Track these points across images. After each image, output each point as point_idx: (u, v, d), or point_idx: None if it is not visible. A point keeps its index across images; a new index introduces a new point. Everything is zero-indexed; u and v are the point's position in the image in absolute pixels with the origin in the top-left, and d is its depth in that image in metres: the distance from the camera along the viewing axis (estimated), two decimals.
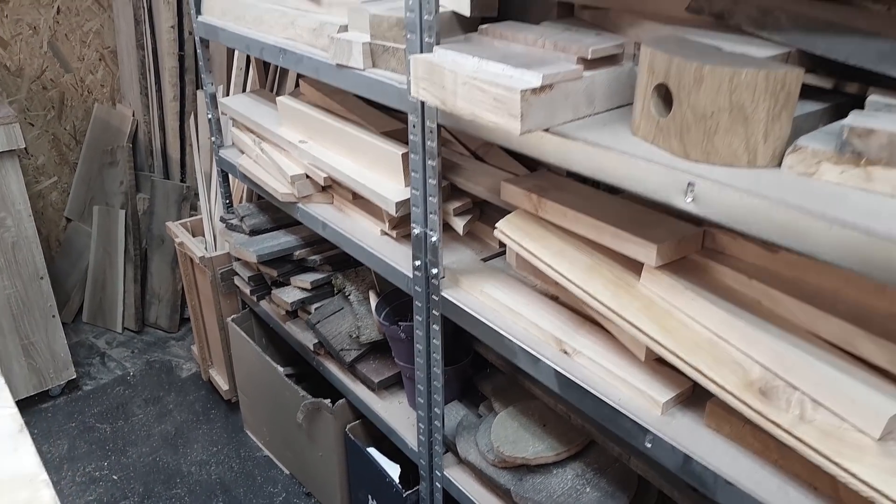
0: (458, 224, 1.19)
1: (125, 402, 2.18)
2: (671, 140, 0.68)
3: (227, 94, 1.94)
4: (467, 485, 1.22)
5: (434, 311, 1.12)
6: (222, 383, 2.11)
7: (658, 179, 0.67)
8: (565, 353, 0.93)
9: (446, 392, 1.25)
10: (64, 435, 2.05)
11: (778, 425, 0.68)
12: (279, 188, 1.43)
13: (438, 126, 0.96)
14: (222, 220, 1.75)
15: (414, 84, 0.84)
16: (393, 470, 1.47)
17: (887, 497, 0.59)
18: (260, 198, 1.77)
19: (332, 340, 1.50)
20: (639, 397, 0.84)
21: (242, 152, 1.65)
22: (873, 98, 0.64)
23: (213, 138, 1.74)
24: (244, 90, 1.90)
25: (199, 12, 1.57)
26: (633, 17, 0.87)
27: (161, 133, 2.43)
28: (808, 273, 0.76)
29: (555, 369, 0.91)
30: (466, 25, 1.04)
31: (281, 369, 1.68)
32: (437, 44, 0.90)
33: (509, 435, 1.14)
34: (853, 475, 0.62)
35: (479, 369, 1.36)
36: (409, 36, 0.92)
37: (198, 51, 1.64)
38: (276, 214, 1.69)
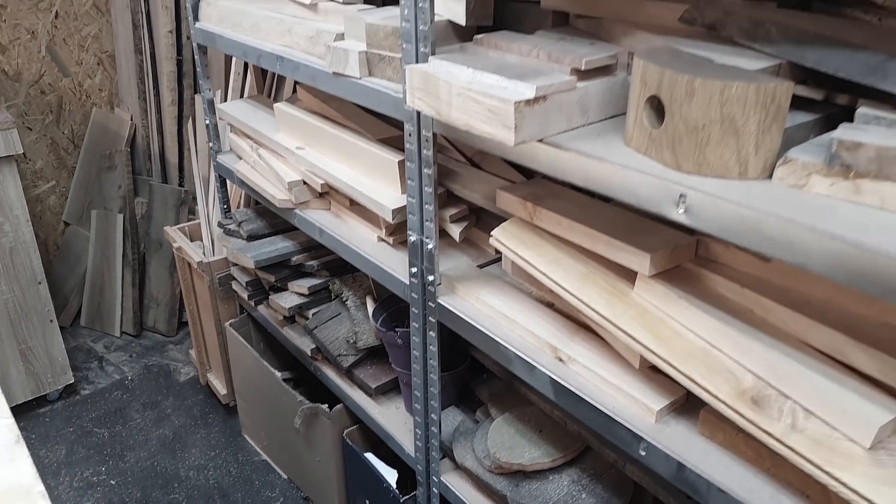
0: (455, 231, 1.20)
1: (123, 406, 2.19)
2: (663, 151, 0.69)
3: (225, 100, 1.95)
4: (464, 490, 1.23)
5: (430, 318, 1.12)
6: (220, 387, 2.11)
7: (650, 191, 0.68)
8: (560, 360, 0.93)
9: (443, 397, 1.25)
10: (62, 440, 2.05)
11: (770, 434, 0.68)
12: (277, 194, 1.43)
13: (434, 135, 0.97)
14: (220, 225, 1.75)
15: (409, 94, 0.85)
16: (390, 475, 1.47)
17: None
18: (258, 203, 1.77)
19: (330, 346, 1.51)
20: (633, 405, 0.84)
21: (240, 158, 1.66)
22: (863, 110, 0.65)
23: (210, 144, 1.75)
24: (242, 96, 1.91)
25: (196, 19, 1.58)
26: (626, 27, 0.88)
27: (159, 137, 2.44)
28: (799, 282, 0.76)
29: (550, 377, 0.92)
30: (462, 33, 1.05)
31: (279, 374, 1.69)
32: (433, 53, 0.90)
33: (506, 441, 1.15)
34: (844, 484, 0.63)
35: (476, 374, 1.37)
36: (404, 45, 0.93)
37: (196, 57, 1.64)
38: (273, 220, 1.70)
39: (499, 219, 1.05)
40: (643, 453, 0.81)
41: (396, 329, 1.33)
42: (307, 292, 1.60)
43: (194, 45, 1.62)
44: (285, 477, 1.91)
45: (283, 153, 1.45)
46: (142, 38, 2.31)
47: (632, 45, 0.87)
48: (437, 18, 0.99)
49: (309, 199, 1.42)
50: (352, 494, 1.64)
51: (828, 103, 0.74)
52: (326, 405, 1.56)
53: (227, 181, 1.80)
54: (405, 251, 1.19)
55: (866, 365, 0.68)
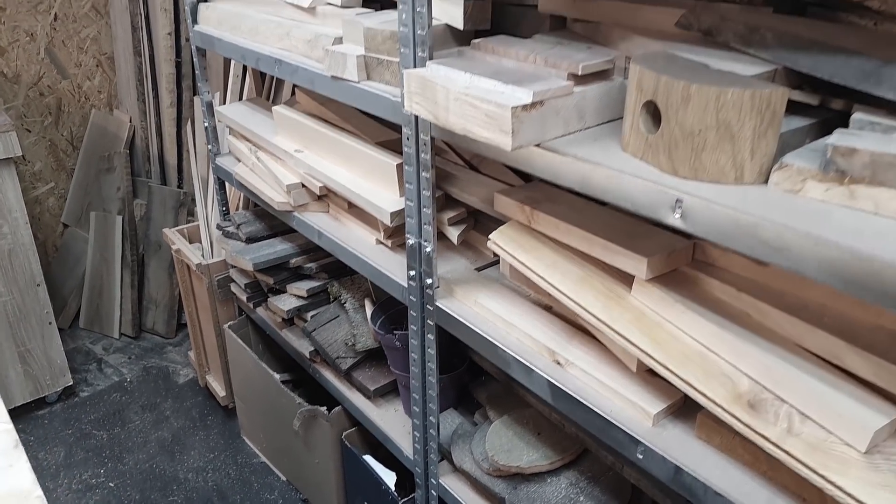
0: (453, 234, 1.20)
1: (122, 408, 2.19)
2: (660, 156, 0.69)
3: (224, 102, 1.95)
4: (462, 493, 1.23)
5: (429, 321, 1.13)
6: (219, 389, 2.11)
7: (647, 195, 0.68)
8: (558, 363, 0.93)
9: (441, 400, 1.26)
10: (60, 442, 2.05)
11: (766, 438, 0.69)
12: (275, 197, 1.43)
13: (432, 139, 0.97)
14: (219, 227, 1.75)
15: (407, 98, 0.85)
16: (389, 477, 1.47)
17: None
18: (256, 205, 1.77)
19: (328, 348, 1.51)
20: (630, 408, 0.85)
21: (239, 160, 1.66)
22: (858, 116, 0.65)
23: (209, 146, 1.75)
24: (241, 98, 1.91)
25: (195, 21, 1.58)
26: (623, 32, 0.88)
27: (158, 139, 2.44)
28: (795, 286, 0.77)
29: (548, 380, 0.92)
30: (460, 37, 1.05)
31: (277, 376, 1.69)
32: (431, 58, 0.90)
33: (504, 444, 1.15)
34: (840, 488, 0.63)
35: (475, 376, 1.37)
36: (402, 50, 0.93)
37: (194, 59, 1.65)
38: (272, 222, 1.70)
39: (497, 221, 1.06)
40: (640, 456, 0.82)
41: (395, 332, 1.33)
42: (306, 295, 1.60)
43: (193, 47, 1.62)
44: (284, 479, 1.92)
45: (282, 156, 1.45)
46: (141, 40, 2.31)
47: (629, 49, 0.87)
48: (434, 22, 0.99)
49: (307, 202, 1.42)
50: (350, 496, 1.64)
51: (823, 108, 0.74)
52: (325, 407, 1.56)
53: (226, 183, 1.80)
54: (403, 254, 1.19)
55: (862, 369, 0.68)
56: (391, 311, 1.44)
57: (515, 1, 1.07)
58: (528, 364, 0.94)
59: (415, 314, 1.15)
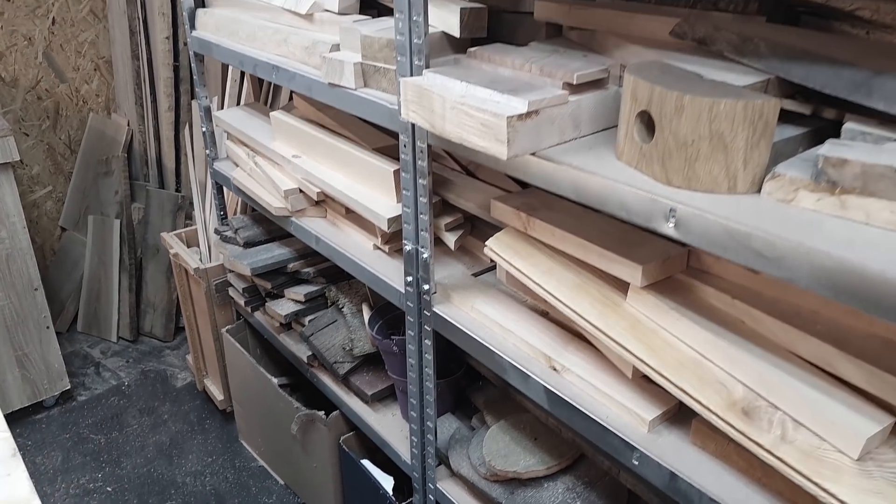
0: (450, 239, 1.21)
1: (120, 412, 2.19)
2: (654, 166, 0.69)
3: (222, 106, 1.95)
4: (460, 498, 1.23)
5: (426, 327, 1.13)
6: (217, 393, 2.11)
7: (641, 205, 0.68)
8: (554, 370, 0.94)
9: (439, 405, 1.26)
10: (58, 446, 2.05)
11: (760, 445, 0.69)
12: (273, 202, 1.44)
13: (429, 146, 0.98)
14: (217, 231, 1.76)
15: (404, 106, 0.85)
16: (387, 482, 1.48)
17: None
18: (254, 210, 1.78)
19: (326, 353, 1.51)
20: (626, 415, 0.85)
21: (237, 165, 1.66)
22: (849, 126, 0.66)
23: (207, 151, 1.75)
24: (239, 102, 1.92)
25: (193, 27, 1.58)
26: (618, 40, 0.89)
27: (156, 143, 2.44)
28: (789, 293, 0.77)
29: (544, 386, 0.92)
30: (457, 45, 1.06)
31: (275, 380, 1.69)
32: (427, 66, 0.91)
33: (501, 449, 1.15)
34: (833, 495, 0.64)
35: (472, 381, 1.38)
36: (399, 58, 0.93)
37: (192, 64, 1.65)
38: (270, 226, 1.70)
39: (494, 227, 1.06)
40: (636, 463, 0.82)
41: (392, 337, 1.34)
42: (303, 299, 1.60)
43: (191, 53, 1.62)
44: (282, 483, 1.92)
45: (280, 161, 1.46)
46: (139, 44, 2.31)
47: (624, 57, 0.87)
48: (431, 30, 0.99)
49: (305, 207, 1.42)
50: (348, 501, 1.64)
51: (816, 117, 0.75)
52: (323, 412, 1.57)
53: (224, 188, 1.80)
54: (401, 259, 1.20)
55: (854, 376, 0.69)
56: (389, 315, 1.44)
57: (511, 9, 1.07)
58: (524, 370, 0.95)
59: (412, 320, 1.15)
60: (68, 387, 2.17)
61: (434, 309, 1.09)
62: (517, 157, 0.76)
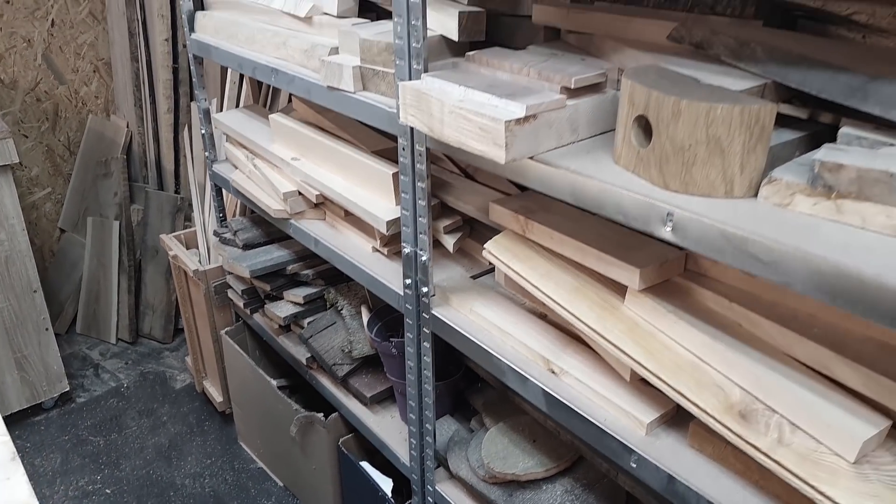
0: (449, 242, 1.21)
1: (119, 414, 2.19)
2: (651, 170, 0.70)
3: (221, 109, 1.95)
4: (459, 500, 1.23)
5: (425, 329, 1.13)
6: (216, 395, 2.11)
7: (638, 209, 0.69)
8: (553, 372, 0.94)
9: (438, 407, 1.26)
10: (57, 448, 2.05)
11: (757, 448, 0.69)
12: (272, 204, 1.44)
13: (427, 149, 0.98)
14: (216, 233, 1.76)
15: (403, 110, 0.86)
16: (385, 484, 1.48)
17: None
18: (253, 212, 1.78)
19: (325, 355, 1.51)
20: (624, 417, 0.85)
21: (236, 167, 1.67)
22: (845, 130, 0.66)
23: (206, 153, 1.75)
24: (238, 105, 1.92)
25: (192, 30, 1.58)
26: (616, 44, 0.89)
27: (155, 144, 2.44)
28: (786, 296, 0.78)
29: (542, 389, 0.92)
30: (455, 48, 1.06)
31: (274, 382, 1.69)
32: (426, 70, 0.91)
33: (499, 451, 1.15)
34: (829, 498, 0.64)
35: (471, 383, 1.38)
36: (397, 62, 0.94)
37: (191, 67, 1.65)
38: (269, 228, 1.71)
39: (493, 229, 1.06)
40: (634, 465, 0.82)
41: (391, 339, 1.34)
42: (302, 301, 1.60)
43: (190, 55, 1.63)
44: (281, 485, 1.92)
45: (279, 164, 1.46)
46: (138, 45, 2.32)
47: (622, 61, 0.88)
48: (429, 34, 1.00)
49: (304, 210, 1.43)
50: (347, 503, 1.64)
51: (813, 121, 0.75)
52: (322, 414, 1.57)
53: (223, 190, 1.80)
54: (399, 262, 1.20)
55: (851, 379, 0.69)
56: (388, 318, 1.44)
57: (510, 12, 1.07)
58: (523, 373, 0.95)
59: (411, 322, 1.16)
60: (67, 388, 2.18)
61: (433, 311, 1.10)
62: (515, 160, 0.76)
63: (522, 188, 1.22)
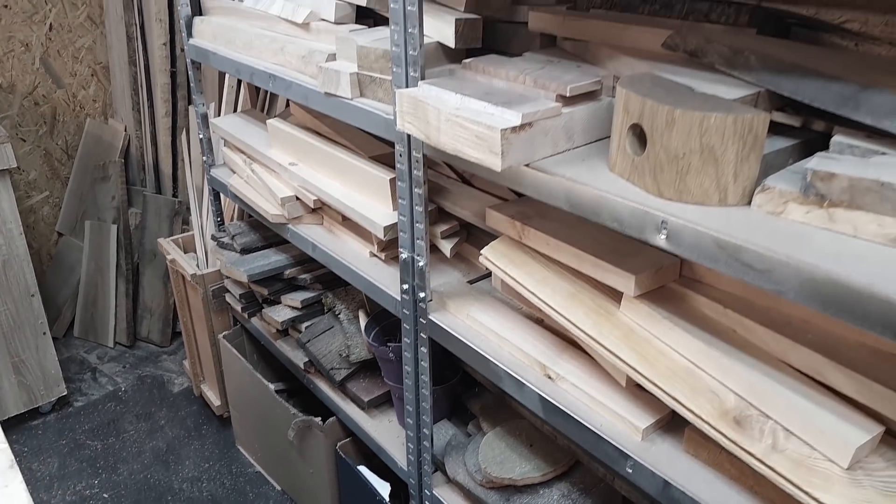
0: (446, 247, 1.21)
1: (116, 418, 2.18)
2: (645, 178, 0.70)
3: (219, 113, 1.96)
4: None
5: (422, 335, 1.14)
6: (214, 399, 2.11)
7: (633, 216, 0.69)
8: (549, 378, 0.94)
9: (435, 411, 1.27)
10: (54, 453, 2.05)
11: (751, 454, 0.70)
12: (269, 209, 1.44)
13: (424, 156, 0.98)
14: (214, 238, 1.76)
15: (399, 117, 0.86)
16: (383, 488, 1.48)
17: None
18: (251, 216, 1.78)
19: (322, 359, 1.52)
20: (620, 423, 0.86)
21: (233, 172, 1.67)
22: (837, 139, 0.67)
23: (204, 157, 1.76)
24: (235, 109, 1.92)
25: (190, 35, 1.59)
26: (611, 51, 0.90)
27: (153, 148, 2.44)
28: (780, 302, 0.78)
29: (539, 394, 0.93)
30: (452, 55, 1.07)
31: (272, 386, 1.69)
32: (423, 77, 0.92)
33: (496, 455, 1.16)
34: None
35: (468, 387, 1.38)
36: (394, 69, 0.94)
37: (189, 72, 1.66)
38: (266, 233, 1.71)
39: (490, 234, 1.07)
40: (630, 471, 0.83)
41: (389, 344, 1.34)
42: (300, 306, 1.61)
43: (188, 60, 1.63)
44: (279, 489, 1.92)
45: (277, 169, 1.46)
46: (136, 49, 2.32)
47: (617, 68, 0.88)
48: (426, 40, 1.00)
49: (302, 215, 1.43)
50: None
51: (806, 129, 0.76)
52: (319, 418, 1.57)
53: (221, 194, 1.81)
54: (397, 267, 1.20)
55: (844, 385, 0.69)
56: (385, 322, 1.44)
57: (506, 19, 1.08)
58: (519, 378, 0.96)
59: (408, 327, 1.16)
60: (65, 393, 2.17)
61: (430, 317, 1.10)
62: (511, 168, 0.76)
63: (520, 193, 1.22)
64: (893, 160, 0.62)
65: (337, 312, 1.56)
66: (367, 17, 1.29)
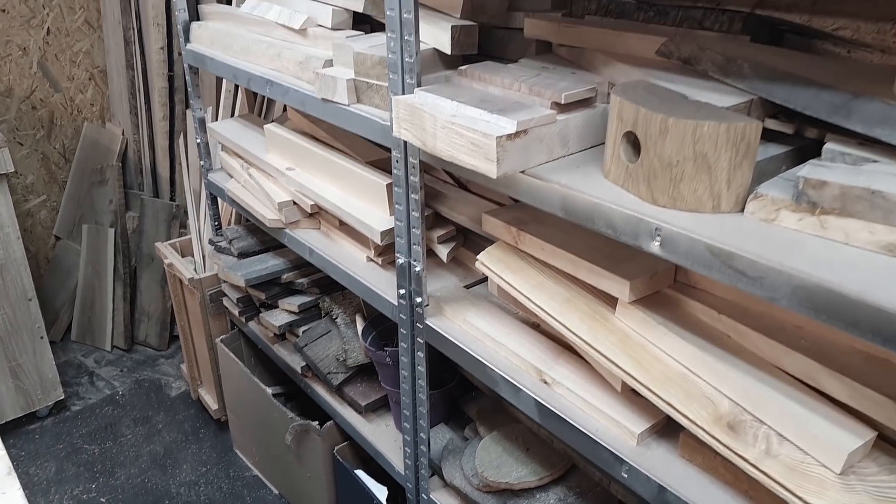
0: (442, 252, 1.22)
1: (114, 422, 2.18)
2: (640, 185, 0.71)
3: (217, 117, 1.96)
4: None
5: (419, 339, 1.14)
6: (211, 402, 2.11)
7: (627, 223, 0.70)
8: (545, 382, 0.95)
9: (432, 415, 1.27)
10: (51, 457, 2.04)
11: (745, 459, 0.70)
12: (267, 214, 1.45)
13: (420, 162, 0.99)
14: (211, 242, 1.76)
15: (396, 124, 0.87)
16: (380, 492, 1.48)
17: None
18: (248, 220, 1.78)
19: (320, 363, 1.52)
20: (615, 428, 0.86)
21: (231, 176, 1.67)
22: (829, 146, 0.67)
23: (202, 162, 1.76)
24: (233, 113, 1.92)
25: (187, 40, 1.59)
26: (606, 58, 0.90)
27: (151, 152, 2.45)
28: (773, 308, 0.79)
29: (535, 399, 0.93)
30: (448, 61, 1.07)
31: (269, 390, 1.69)
32: (419, 84, 0.92)
33: (493, 460, 1.16)
34: None
35: (465, 391, 1.38)
36: (391, 76, 0.95)
37: (187, 76, 1.66)
38: (264, 237, 1.71)
39: (486, 239, 1.07)
40: (625, 475, 0.83)
41: (386, 348, 1.35)
42: (297, 310, 1.61)
43: (185, 65, 1.63)
44: (276, 492, 1.92)
45: (274, 173, 1.46)
46: (133, 54, 2.32)
47: (612, 75, 0.89)
48: (423, 46, 1.01)
49: (299, 219, 1.43)
50: None
51: (799, 136, 0.77)
52: (317, 422, 1.57)
53: (218, 198, 1.81)
54: (394, 272, 1.21)
55: (837, 391, 0.70)
56: (382, 327, 1.45)
57: (502, 25, 1.09)
58: (515, 383, 0.96)
59: (405, 332, 1.16)
60: (62, 397, 2.17)
61: (426, 322, 1.10)
62: (506, 175, 0.77)
63: (516, 199, 1.22)
64: (884, 168, 0.63)
65: (334, 317, 1.57)
66: (364, 23, 1.29)
